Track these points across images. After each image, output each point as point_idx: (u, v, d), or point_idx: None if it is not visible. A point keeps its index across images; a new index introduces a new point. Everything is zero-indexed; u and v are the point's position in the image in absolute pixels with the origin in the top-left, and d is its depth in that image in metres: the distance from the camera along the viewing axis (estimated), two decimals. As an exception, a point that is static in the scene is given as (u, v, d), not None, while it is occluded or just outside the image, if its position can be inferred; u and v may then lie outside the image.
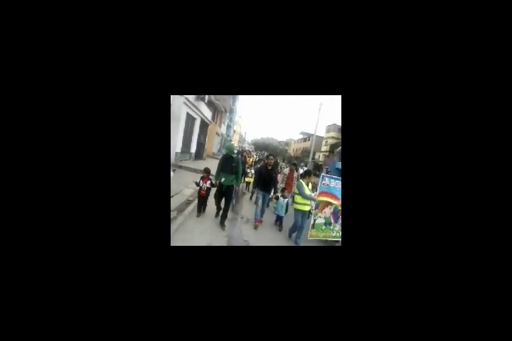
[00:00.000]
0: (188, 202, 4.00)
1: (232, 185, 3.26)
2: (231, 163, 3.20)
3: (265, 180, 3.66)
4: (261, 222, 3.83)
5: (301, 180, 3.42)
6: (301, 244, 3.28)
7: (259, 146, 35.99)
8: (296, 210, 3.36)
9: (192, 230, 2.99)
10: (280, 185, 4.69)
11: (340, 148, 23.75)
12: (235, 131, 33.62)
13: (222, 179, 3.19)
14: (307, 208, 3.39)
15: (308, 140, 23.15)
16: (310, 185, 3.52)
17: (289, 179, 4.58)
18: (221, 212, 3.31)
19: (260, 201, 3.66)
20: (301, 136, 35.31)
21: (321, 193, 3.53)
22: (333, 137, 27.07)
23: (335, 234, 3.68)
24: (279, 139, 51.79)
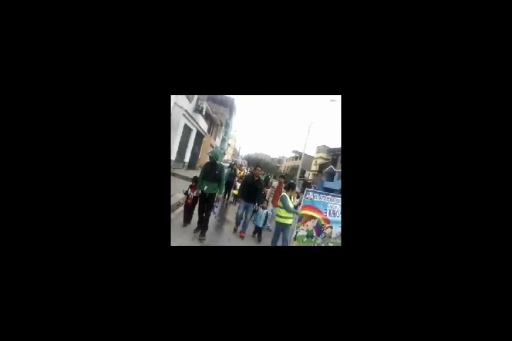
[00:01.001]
0: (179, 204, 4.39)
1: (215, 193, 3.15)
2: (214, 171, 3.11)
3: (250, 190, 3.69)
4: (242, 237, 3.75)
5: (284, 193, 3.53)
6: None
7: (252, 161, 36.41)
8: (278, 223, 3.43)
9: (178, 228, 3.25)
10: (268, 198, 4.80)
11: (329, 167, 24.41)
12: (229, 145, 34.12)
13: (205, 187, 3.07)
14: (289, 221, 3.49)
15: (300, 158, 23.78)
16: (293, 198, 3.68)
17: (276, 192, 4.70)
18: (203, 222, 3.22)
19: (241, 210, 3.67)
20: (293, 154, 36.23)
21: (305, 207, 3.71)
22: (322, 157, 28.02)
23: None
24: (272, 156, 52.52)
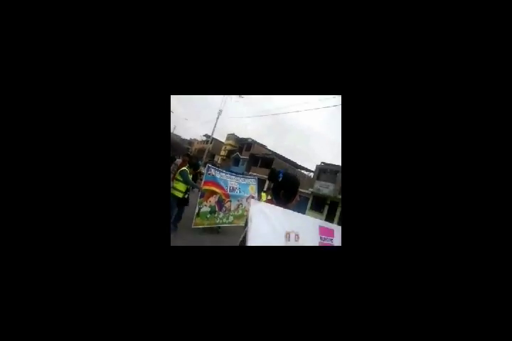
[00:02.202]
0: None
1: None
2: None
3: None
4: None
5: (185, 168, 3.52)
6: (181, 231, 3.34)
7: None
8: (173, 196, 3.44)
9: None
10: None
11: (235, 154, 25.89)
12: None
13: None
14: (181, 195, 3.51)
15: (211, 143, 23.83)
16: (191, 176, 3.65)
17: (178, 169, 4.56)
18: None
19: None
20: (204, 138, 35.51)
21: (207, 182, 3.78)
22: (230, 144, 29.46)
23: (218, 220, 4.00)
24: (183, 137, 49.46)
